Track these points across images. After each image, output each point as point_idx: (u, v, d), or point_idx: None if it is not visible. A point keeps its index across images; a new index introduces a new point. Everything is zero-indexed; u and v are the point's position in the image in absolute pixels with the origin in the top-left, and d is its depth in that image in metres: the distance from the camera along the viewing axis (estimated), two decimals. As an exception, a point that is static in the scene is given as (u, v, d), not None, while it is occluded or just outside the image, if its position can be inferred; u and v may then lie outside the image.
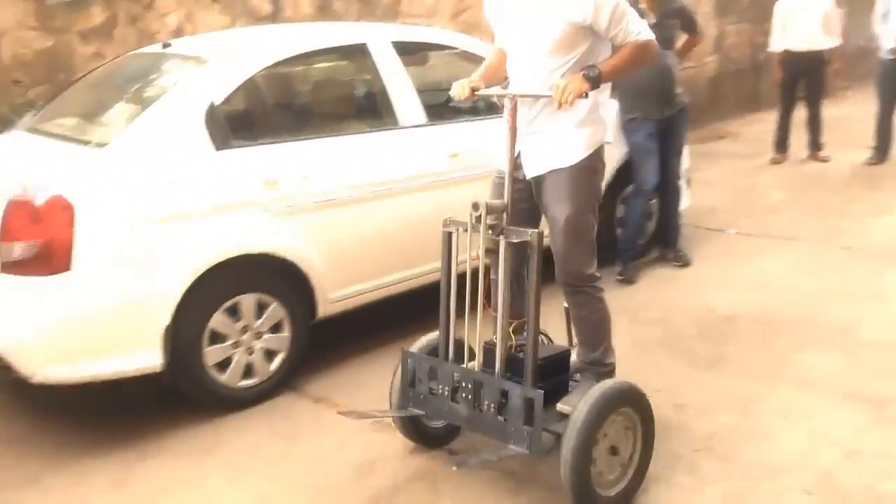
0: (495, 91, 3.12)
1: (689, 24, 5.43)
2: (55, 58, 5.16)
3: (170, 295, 3.41)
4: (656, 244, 5.55)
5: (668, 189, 5.34)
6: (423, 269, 4.19)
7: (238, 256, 3.60)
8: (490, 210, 2.79)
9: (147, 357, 3.41)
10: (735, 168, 8.08)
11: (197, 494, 3.07)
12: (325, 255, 3.84)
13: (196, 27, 5.73)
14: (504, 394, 2.77)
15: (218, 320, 3.59)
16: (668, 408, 3.55)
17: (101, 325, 3.31)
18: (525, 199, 3.03)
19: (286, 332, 3.81)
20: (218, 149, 3.61)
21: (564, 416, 2.81)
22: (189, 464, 3.28)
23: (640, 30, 2.90)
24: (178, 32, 5.59)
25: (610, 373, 3.13)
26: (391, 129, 4.17)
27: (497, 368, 2.83)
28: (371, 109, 4.38)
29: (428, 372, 2.98)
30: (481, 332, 2.91)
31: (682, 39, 5.53)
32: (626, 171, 5.21)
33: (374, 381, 3.62)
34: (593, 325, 3.10)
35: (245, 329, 3.68)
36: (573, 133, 2.95)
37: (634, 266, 5.24)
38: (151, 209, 3.41)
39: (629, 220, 5.26)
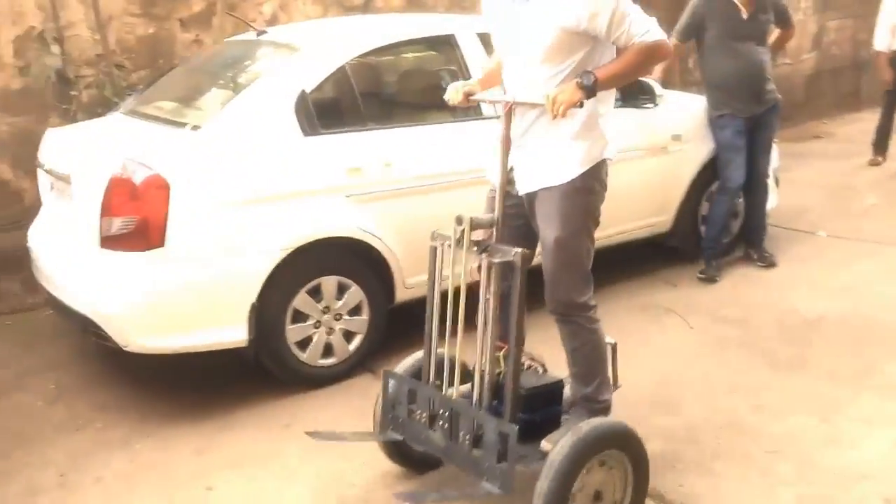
0: (489, 97, 2.98)
1: (783, 18, 5.29)
2: (156, 44, 5.39)
3: (257, 274, 3.55)
4: (741, 243, 5.44)
5: (755, 187, 5.22)
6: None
7: (321, 239, 3.71)
8: (475, 225, 2.59)
9: (234, 332, 3.55)
10: (829, 169, 7.81)
11: (273, 466, 3.19)
12: (403, 241, 3.91)
13: (290, 16, 5.89)
14: (480, 426, 2.52)
15: (301, 300, 3.71)
16: (744, 408, 3.50)
17: (192, 300, 3.47)
18: (520, 215, 2.81)
19: (365, 315, 3.90)
20: (306, 135, 3.72)
21: (546, 455, 2.53)
22: (268, 437, 3.41)
23: (646, 29, 2.58)
24: (273, 21, 5.76)
25: (604, 410, 2.87)
26: (474, 119, 4.21)
27: (475, 397, 2.59)
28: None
29: (407, 395, 2.75)
30: (468, 355, 2.67)
31: (775, 34, 5.40)
32: (712, 168, 5.13)
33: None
34: (585, 358, 2.84)
35: (326, 310, 3.79)
36: (567, 148, 2.69)
37: (717, 264, 5.14)
38: (241, 191, 3.54)
39: (713, 218, 5.16)
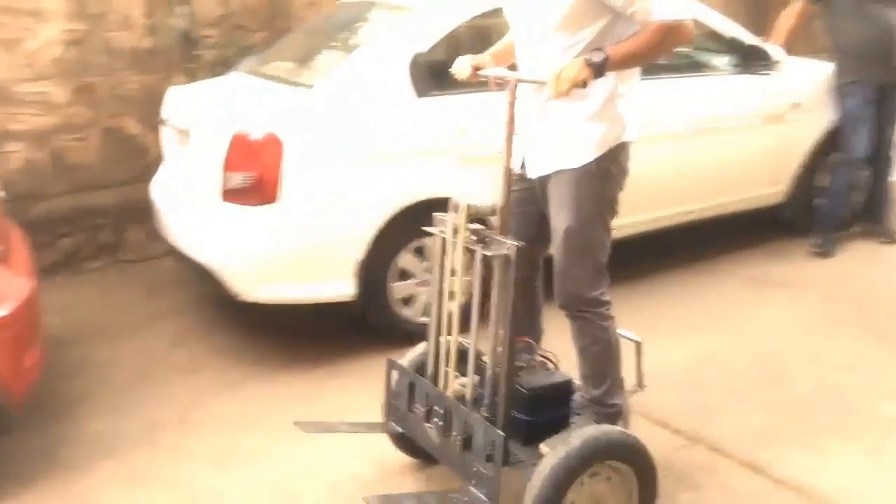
0: (494, 73, 2.65)
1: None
2: (276, 5, 5.54)
3: (365, 231, 3.65)
4: (862, 218, 5.21)
5: (880, 160, 4.98)
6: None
7: (428, 200, 3.77)
8: (473, 213, 2.39)
9: (341, 286, 3.68)
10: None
11: (376, 415, 3.30)
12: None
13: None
14: (472, 427, 2.37)
15: (406, 259, 3.80)
16: (855, 386, 3.39)
17: (302, 254, 3.61)
18: (532, 200, 2.63)
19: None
20: (419, 96, 3.78)
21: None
22: (372, 386, 3.51)
23: (665, 9, 2.32)
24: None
25: (614, 415, 2.64)
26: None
27: (468, 396, 2.44)
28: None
29: (407, 387, 2.65)
30: (479, 347, 2.48)
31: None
32: (832, 138, 4.92)
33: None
34: (595, 358, 2.62)
35: (430, 269, 3.86)
36: (583, 129, 2.48)
37: (834, 238, 4.95)
38: (353, 150, 3.64)
39: (833, 190, 4.96)
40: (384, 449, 2.90)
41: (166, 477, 2.94)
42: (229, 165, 3.59)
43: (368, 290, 3.72)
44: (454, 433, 2.42)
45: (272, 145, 3.52)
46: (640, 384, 2.82)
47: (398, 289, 3.82)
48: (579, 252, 2.52)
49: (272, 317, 3.92)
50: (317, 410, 3.33)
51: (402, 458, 2.91)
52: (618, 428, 2.47)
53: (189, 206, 3.95)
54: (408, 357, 2.78)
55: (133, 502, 2.81)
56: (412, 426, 2.65)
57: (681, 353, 3.69)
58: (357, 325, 3.89)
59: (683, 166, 4.46)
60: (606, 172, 2.51)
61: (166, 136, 4.37)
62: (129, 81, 5.04)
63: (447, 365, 2.50)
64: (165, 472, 2.96)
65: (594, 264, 2.55)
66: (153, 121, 4.66)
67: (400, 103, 3.76)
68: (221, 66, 5.00)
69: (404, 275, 3.82)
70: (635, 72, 2.54)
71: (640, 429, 2.80)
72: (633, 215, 4.18)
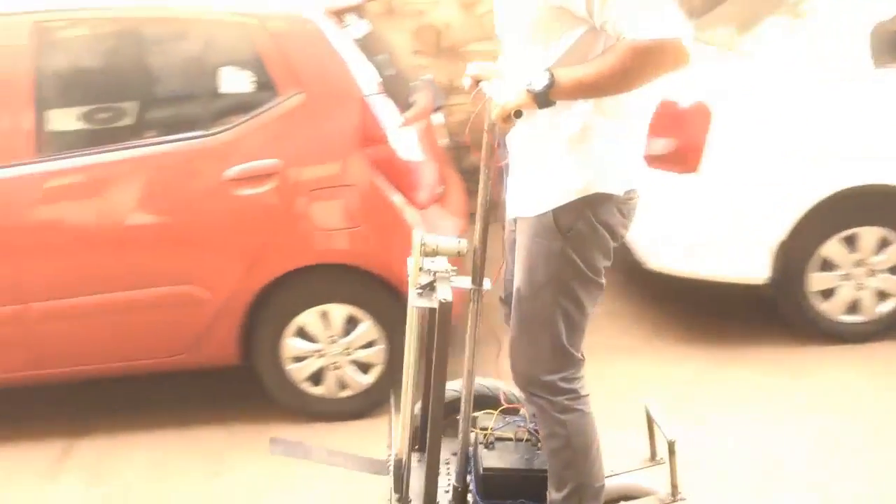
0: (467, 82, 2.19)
1: None
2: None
3: (789, 212, 3.40)
4: None
5: None
6: None
7: (865, 186, 3.38)
8: (429, 250, 1.99)
9: (755, 268, 3.47)
10: None
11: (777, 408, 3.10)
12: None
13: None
14: None
15: (831, 248, 3.46)
16: None
17: (719, 228, 3.47)
18: None
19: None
20: (876, 66, 3.38)
21: None
22: (773, 378, 3.31)
23: (643, 24, 1.71)
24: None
25: None
26: None
27: (403, 470, 2.13)
28: None
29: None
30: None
31: None
32: None
33: None
34: (553, 455, 2.07)
35: (860, 263, 3.47)
36: (543, 169, 1.94)
37: None
38: (789, 124, 3.38)
39: None
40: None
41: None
42: (653, 130, 3.55)
43: (784, 275, 3.47)
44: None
45: (700, 114, 3.41)
46: (674, 495, 2.22)
47: (818, 279, 3.49)
48: (529, 324, 2.02)
49: (668, 286, 3.83)
50: (707, 400, 3.21)
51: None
52: None
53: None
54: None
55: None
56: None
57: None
58: (765, 308, 3.65)
59: None
60: (570, 230, 1.93)
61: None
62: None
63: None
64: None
65: (551, 343, 1.99)
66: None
67: (856, 74, 3.39)
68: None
69: (827, 265, 3.48)
70: (625, 101, 1.88)
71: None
72: None
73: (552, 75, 1.79)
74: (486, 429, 2.25)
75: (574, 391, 2.03)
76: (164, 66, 3.19)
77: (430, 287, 2.01)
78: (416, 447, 2.29)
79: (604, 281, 1.99)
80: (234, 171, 2.95)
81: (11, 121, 2.95)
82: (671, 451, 2.19)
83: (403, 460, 2.13)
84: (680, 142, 3.46)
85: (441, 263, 2.04)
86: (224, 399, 3.22)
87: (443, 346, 2.00)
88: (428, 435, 2.06)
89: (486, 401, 2.33)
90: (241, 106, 3.05)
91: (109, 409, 3.34)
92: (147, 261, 3.01)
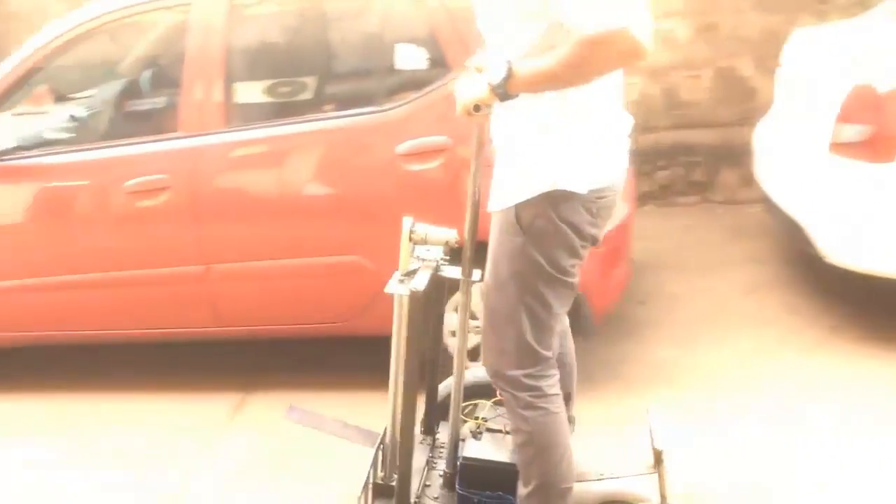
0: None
1: None
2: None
3: None
4: None
5: None
6: None
7: None
8: (418, 238, 2.02)
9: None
10: None
11: None
12: None
13: None
14: None
15: None
16: None
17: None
18: None
19: None
20: None
21: None
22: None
23: (594, 15, 1.68)
24: None
25: None
26: None
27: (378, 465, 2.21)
28: None
29: None
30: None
31: None
32: None
33: None
34: (519, 449, 2.10)
35: None
36: (515, 163, 1.94)
37: None
38: None
39: None
40: None
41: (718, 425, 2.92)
42: (844, 116, 3.31)
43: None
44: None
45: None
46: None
47: None
48: (496, 317, 2.04)
49: (854, 283, 3.56)
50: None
51: None
52: None
53: (791, 156, 3.76)
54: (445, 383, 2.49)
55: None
56: None
57: None
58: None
59: None
60: (530, 226, 1.92)
61: (780, 81, 4.20)
62: (751, 22, 4.96)
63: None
64: (721, 420, 2.94)
65: (516, 338, 2.00)
66: (767, 63, 4.53)
67: None
68: (857, 6, 4.59)
69: None
70: (589, 96, 1.86)
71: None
72: None
73: (510, 67, 1.80)
74: (479, 419, 2.35)
75: (538, 388, 2.04)
76: (343, 42, 3.30)
77: (413, 274, 2.06)
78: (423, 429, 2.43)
79: (574, 280, 2.00)
80: (405, 146, 3.02)
81: (206, 94, 3.16)
82: (658, 461, 2.19)
83: (388, 440, 2.20)
84: (876, 129, 3.21)
85: (435, 252, 2.10)
86: (385, 369, 3.33)
87: (412, 334, 2.04)
88: (399, 417, 2.11)
89: (488, 390, 2.33)
90: (415, 83, 3.11)
91: (280, 367, 3.54)
92: (319, 230, 3.14)
